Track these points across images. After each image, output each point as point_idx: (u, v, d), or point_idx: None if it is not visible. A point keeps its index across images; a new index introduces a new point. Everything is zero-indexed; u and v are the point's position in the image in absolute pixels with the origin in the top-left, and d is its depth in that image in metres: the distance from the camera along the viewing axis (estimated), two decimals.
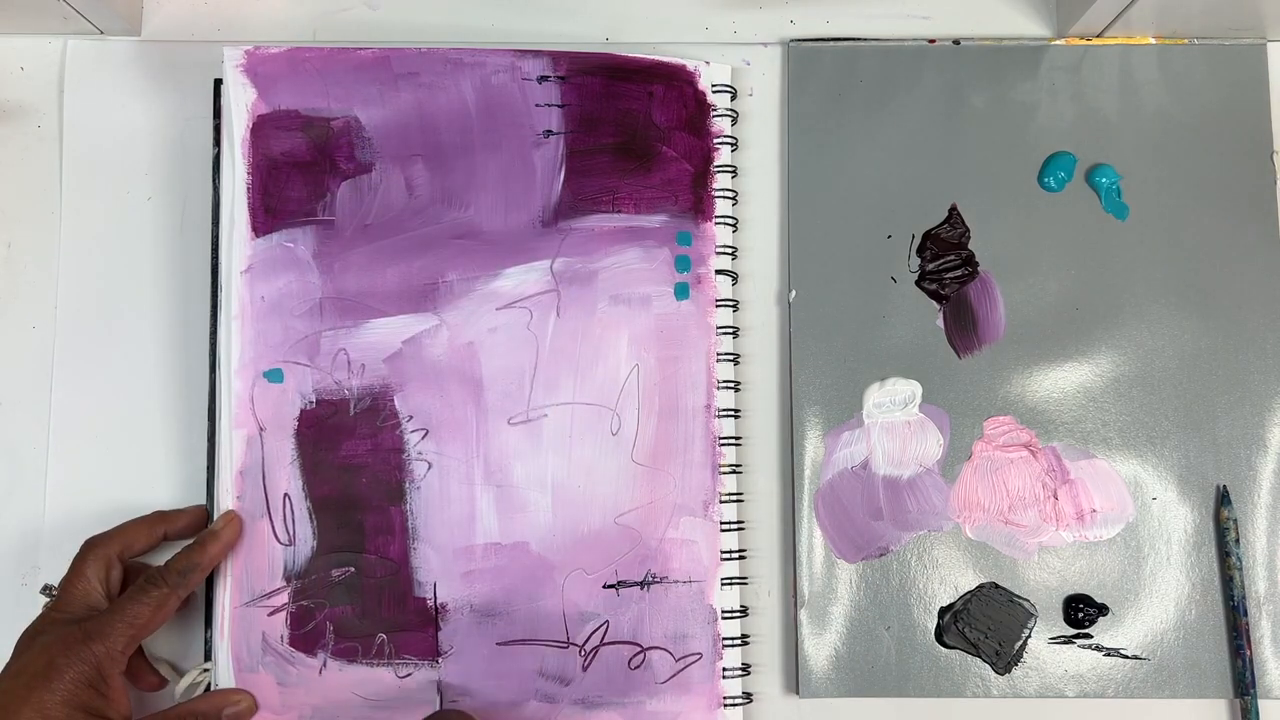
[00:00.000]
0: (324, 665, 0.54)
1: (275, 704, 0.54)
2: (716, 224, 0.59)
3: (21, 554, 0.57)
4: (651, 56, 0.59)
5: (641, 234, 0.58)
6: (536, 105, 0.58)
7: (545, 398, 0.56)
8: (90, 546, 0.52)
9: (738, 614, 0.56)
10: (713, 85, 0.60)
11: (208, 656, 0.55)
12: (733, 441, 0.57)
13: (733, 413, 0.58)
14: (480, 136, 0.58)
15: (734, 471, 0.57)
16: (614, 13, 0.62)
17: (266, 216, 0.57)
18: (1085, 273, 0.59)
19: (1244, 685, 0.55)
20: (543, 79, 0.58)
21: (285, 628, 0.55)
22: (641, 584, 0.56)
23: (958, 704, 0.57)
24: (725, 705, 0.55)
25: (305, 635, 0.55)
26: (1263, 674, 0.56)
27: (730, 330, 0.58)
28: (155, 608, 0.50)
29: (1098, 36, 0.61)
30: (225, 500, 0.55)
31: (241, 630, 0.54)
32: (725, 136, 0.59)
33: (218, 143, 0.58)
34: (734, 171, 0.60)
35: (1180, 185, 0.59)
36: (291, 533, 0.55)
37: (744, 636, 0.57)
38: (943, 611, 0.57)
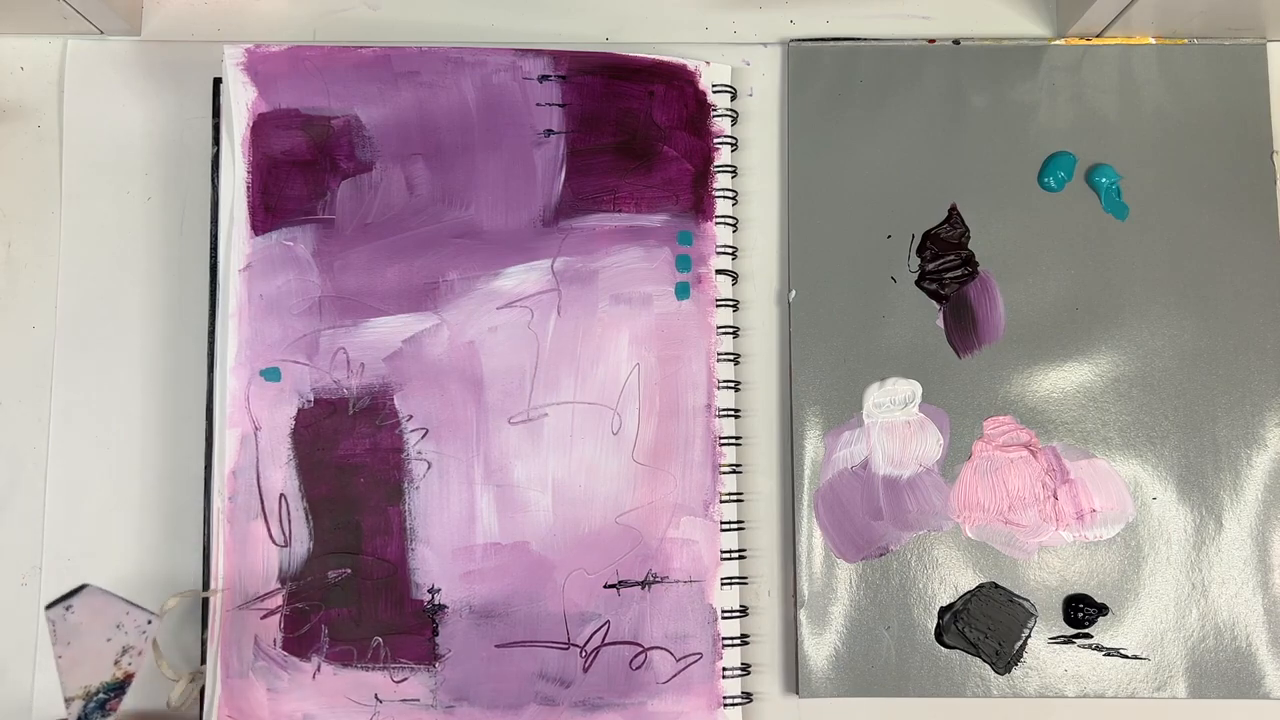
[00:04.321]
0: (318, 669, 0.54)
1: (264, 712, 0.54)
2: (717, 224, 0.59)
3: (21, 554, 0.57)
4: (652, 56, 0.59)
5: (642, 233, 0.58)
6: (537, 104, 0.58)
7: (546, 397, 0.56)
8: None
9: (738, 614, 0.56)
10: (713, 85, 0.60)
11: (204, 659, 0.55)
12: (733, 441, 0.57)
13: (733, 413, 0.57)
14: (481, 135, 0.58)
15: (734, 471, 0.57)
16: (614, 12, 0.62)
17: (266, 215, 0.56)
18: (1085, 273, 0.59)
19: None
20: (543, 78, 0.58)
21: (279, 631, 0.54)
22: (642, 584, 0.56)
23: (958, 704, 0.57)
24: (725, 705, 0.55)
25: (299, 639, 0.54)
26: (1262, 675, 0.56)
27: (730, 330, 0.58)
28: None
29: (1098, 36, 0.61)
30: (218, 500, 0.55)
31: (233, 634, 0.54)
32: (725, 136, 0.59)
33: (217, 142, 0.58)
34: (734, 171, 0.60)
35: (1180, 185, 0.59)
36: (287, 534, 0.55)
37: (744, 636, 0.57)
38: (943, 611, 0.57)
